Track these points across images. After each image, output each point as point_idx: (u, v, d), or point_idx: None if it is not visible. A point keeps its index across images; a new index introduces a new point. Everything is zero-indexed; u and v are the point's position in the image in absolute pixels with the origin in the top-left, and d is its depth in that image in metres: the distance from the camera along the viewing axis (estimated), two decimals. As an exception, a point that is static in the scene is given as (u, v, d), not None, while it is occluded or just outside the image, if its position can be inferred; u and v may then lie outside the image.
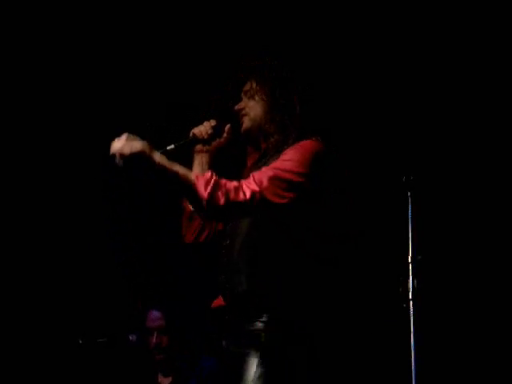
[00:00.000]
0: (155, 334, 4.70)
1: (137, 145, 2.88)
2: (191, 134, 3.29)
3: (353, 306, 4.46)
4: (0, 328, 5.08)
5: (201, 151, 3.35)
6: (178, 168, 2.93)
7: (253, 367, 3.03)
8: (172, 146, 3.21)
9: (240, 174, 3.30)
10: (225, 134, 3.31)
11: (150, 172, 2.91)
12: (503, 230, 4.49)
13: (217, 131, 3.28)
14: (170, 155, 3.15)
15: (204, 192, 2.89)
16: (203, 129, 3.27)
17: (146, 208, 5.15)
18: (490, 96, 4.53)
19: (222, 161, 3.40)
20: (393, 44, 4.61)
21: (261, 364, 3.03)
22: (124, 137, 2.90)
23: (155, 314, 4.77)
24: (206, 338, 4.50)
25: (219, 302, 3.22)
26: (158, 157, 2.91)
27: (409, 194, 3.59)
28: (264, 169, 3.03)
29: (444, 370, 4.41)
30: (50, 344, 5.07)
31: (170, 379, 4.75)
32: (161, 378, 4.78)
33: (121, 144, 2.88)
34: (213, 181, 2.91)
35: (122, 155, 2.87)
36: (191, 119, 3.42)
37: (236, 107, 3.27)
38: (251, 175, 3.00)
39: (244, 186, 2.94)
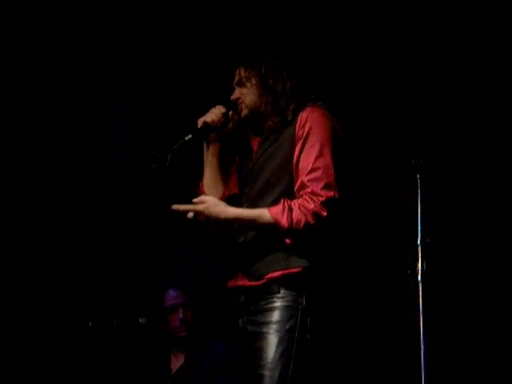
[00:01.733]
0: (180, 310, 4.72)
1: (218, 215, 3.09)
2: (201, 123, 3.27)
3: (363, 288, 4.49)
4: (11, 312, 5.09)
5: (213, 139, 3.34)
6: (249, 212, 3.12)
7: (272, 347, 3.04)
8: (190, 136, 3.23)
9: (247, 158, 3.33)
10: (231, 121, 3.33)
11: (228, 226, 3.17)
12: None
13: (227, 118, 3.30)
14: (187, 145, 3.21)
15: (283, 221, 3.03)
16: (215, 116, 3.27)
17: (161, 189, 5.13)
18: (498, 80, 4.52)
19: (229, 147, 3.41)
20: (401, 26, 4.60)
21: (280, 344, 3.04)
22: (209, 202, 3.11)
23: (175, 292, 4.79)
24: (219, 319, 4.51)
25: (236, 281, 3.23)
26: (230, 213, 3.10)
27: (418, 176, 3.60)
28: (311, 176, 3.07)
29: (452, 351, 4.43)
30: (60, 327, 5.08)
31: (181, 361, 4.77)
32: (173, 361, 4.79)
33: (204, 209, 3.09)
34: (287, 207, 3.03)
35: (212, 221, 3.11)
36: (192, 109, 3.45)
37: (231, 98, 3.30)
38: (307, 192, 3.05)
39: (312, 206, 3.03)
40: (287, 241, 3.09)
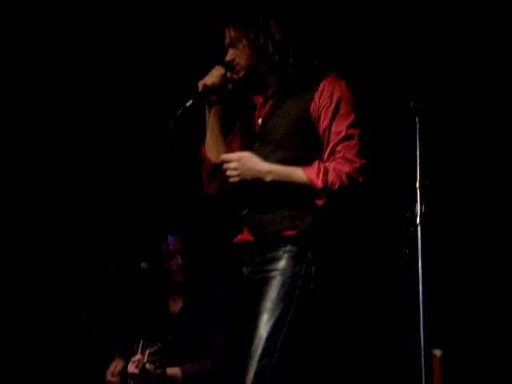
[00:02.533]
0: (178, 256, 4.75)
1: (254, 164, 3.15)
2: (202, 87, 3.29)
3: (362, 233, 4.50)
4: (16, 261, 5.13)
5: (214, 102, 3.35)
6: (283, 168, 3.15)
7: (275, 290, 3.11)
8: (190, 102, 3.25)
9: (250, 116, 3.36)
10: (230, 82, 3.34)
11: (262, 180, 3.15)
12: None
13: (226, 79, 3.31)
14: (189, 111, 3.24)
15: (318, 182, 3.09)
16: (215, 78, 3.29)
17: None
18: (498, 28, 4.48)
19: (230, 108, 3.44)
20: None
21: (283, 287, 3.11)
22: (247, 154, 3.15)
23: (174, 237, 4.82)
24: (221, 266, 4.54)
25: (241, 237, 3.29)
26: (266, 166, 3.14)
27: (416, 119, 3.59)
28: (345, 143, 3.16)
29: (451, 296, 4.44)
30: (61, 272, 5.12)
31: (180, 305, 4.80)
32: (172, 305, 4.82)
33: (240, 157, 3.17)
34: (322, 168, 3.09)
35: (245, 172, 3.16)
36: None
37: (226, 59, 3.32)
38: (339, 157, 3.13)
39: (346, 168, 3.12)
40: (296, 199, 3.15)
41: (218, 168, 3.31)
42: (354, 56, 4.46)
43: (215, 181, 3.38)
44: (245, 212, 3.27)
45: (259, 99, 3.36)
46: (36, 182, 5.17)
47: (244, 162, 3.13)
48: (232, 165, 3.14)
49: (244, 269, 3.28)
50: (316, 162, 3.13)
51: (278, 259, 3.16)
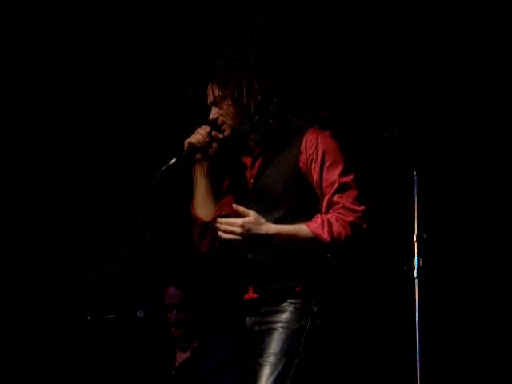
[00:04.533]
0: (174, 311, 4.74)
1: (258, 230, 3.10)
2: (187, 145, 3.30)
3: (360, 286, 4.49)
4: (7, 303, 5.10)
5: (200, 160, 3.35)
6: (288, 228, 3.11)
7: (278, 343, 3.08)
8: (174, 160, 3.24)
9: (240, 175, 3.35)
10: (215, 140, 3.34)
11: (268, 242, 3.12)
12: (508, 209, 4.48)
13: (211, 137, 3.31)
14: (172, 169, 3.22)
15: (324, 235, 3.07)
16: (200, 137, 3.29)
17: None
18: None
19: (218, 166, 3.42)
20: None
21: (287, 340, 3.08)
22: (253, 219, 3.09)
23: (173, 290, 4.80)
24: (226, 318, 4.51)
25: (248, 295, 3.26)
26: (272, 229, 3.10)
27: (415, 173, 3.63)
28: (340, 193, 3.14)
29: (448, 348, 4.43)
30: (58, 320, 5.09)
31: (187, 354, 4.78)
32: (179, 353, 4.81)
33: (245, 223, 3.08)
34: (326, 221, 3.08)
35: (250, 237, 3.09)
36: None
37: (210, 117, 3.33)
38: (339, 207, 3.12)
39: (349, 217, 3.10)
40: (300, 257, 3.14)
41: (209, 226, 3.30)
42: (348, 108, 4.47)
43: (206, 239, 3.35)
44: (250, 255, 3.22)
45: (248, 160, 3.35)
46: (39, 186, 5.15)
47: (249, 228, 3.07)
48: (237, 230, 3.07)
49: (247, 319, 3.23)
50: (318, 216, 3.12)
51: (282, 311, 3.13)
